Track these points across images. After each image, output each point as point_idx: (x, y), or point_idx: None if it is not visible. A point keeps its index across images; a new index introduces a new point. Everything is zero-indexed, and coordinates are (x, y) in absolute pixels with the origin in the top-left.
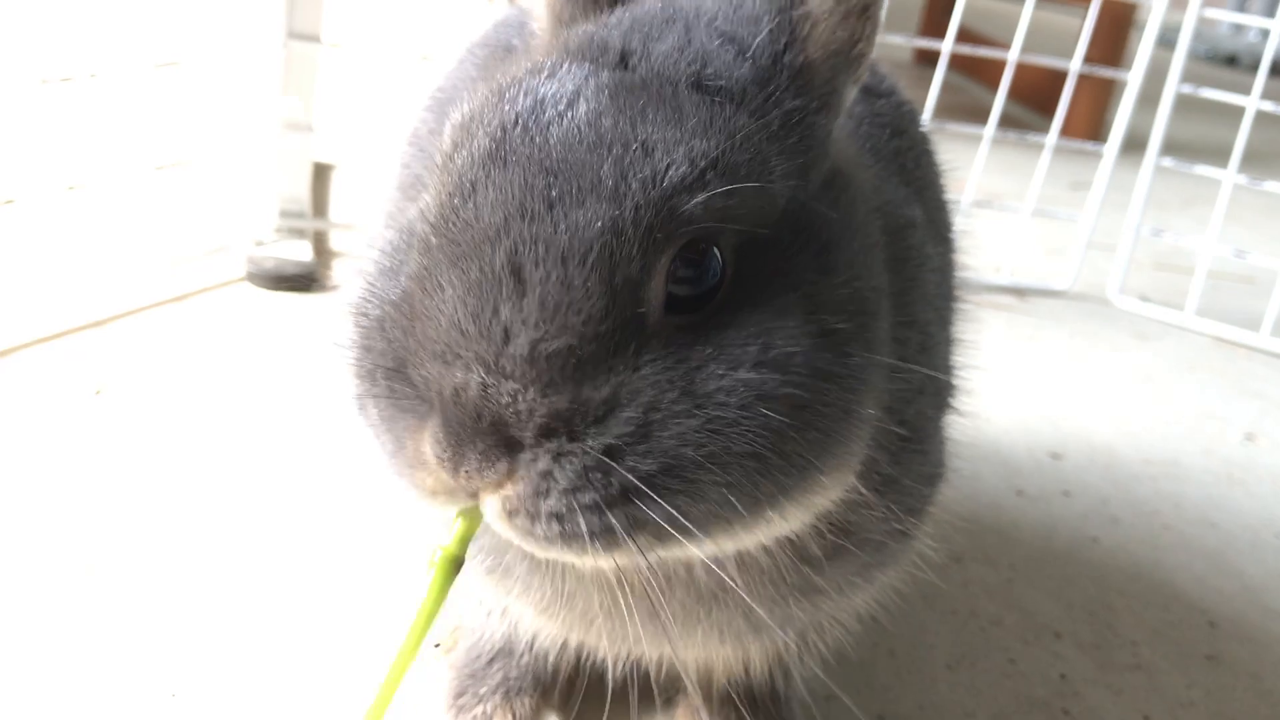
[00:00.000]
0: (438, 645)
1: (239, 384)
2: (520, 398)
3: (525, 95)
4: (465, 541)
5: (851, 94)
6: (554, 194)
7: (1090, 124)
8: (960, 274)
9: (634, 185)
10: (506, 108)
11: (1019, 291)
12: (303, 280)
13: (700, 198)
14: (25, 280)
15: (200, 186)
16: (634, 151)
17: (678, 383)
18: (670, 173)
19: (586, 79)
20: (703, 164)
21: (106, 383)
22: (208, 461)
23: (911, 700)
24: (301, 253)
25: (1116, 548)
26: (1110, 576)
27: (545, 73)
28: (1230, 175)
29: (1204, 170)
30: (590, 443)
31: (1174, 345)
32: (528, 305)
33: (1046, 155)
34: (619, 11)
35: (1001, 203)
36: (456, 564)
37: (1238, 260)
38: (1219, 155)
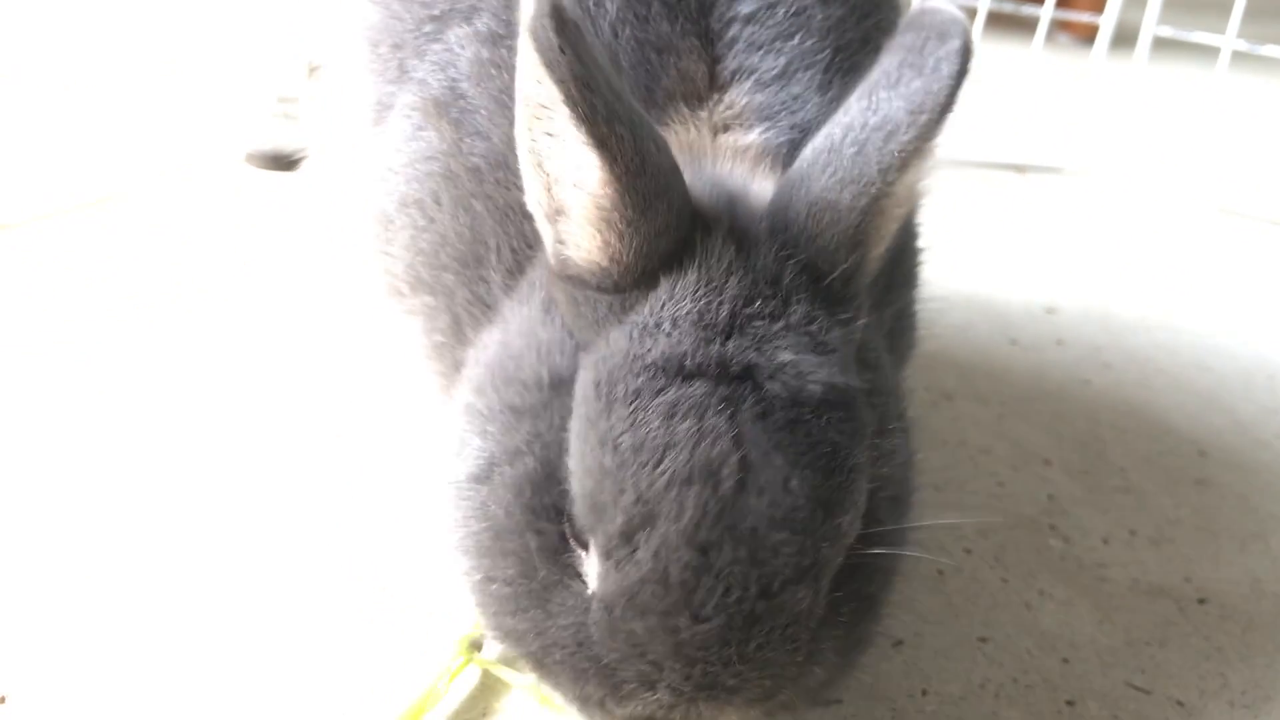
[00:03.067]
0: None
1: (233, 259)
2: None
3: (692, 462)
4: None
5: None
6: (774, 585)
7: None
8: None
9: (824, 553)
10: (683, 485)
11: (1020, 168)
12: (299, 161)
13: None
14: (27, 160)
15: (197, 71)
16: (822, 526)
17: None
18: (845, 523)
19: (744, 428)
20: (857, 496)
21: (103, 257)
22: (203, 333)
23: None
24: (297, 135)
25: (1109, 389)
26: (1102, 413)
27: (691, 423)
28: (1229, 41)
29: (1201, 37)
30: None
31: (1175, 216)
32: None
33: (1043, 26)
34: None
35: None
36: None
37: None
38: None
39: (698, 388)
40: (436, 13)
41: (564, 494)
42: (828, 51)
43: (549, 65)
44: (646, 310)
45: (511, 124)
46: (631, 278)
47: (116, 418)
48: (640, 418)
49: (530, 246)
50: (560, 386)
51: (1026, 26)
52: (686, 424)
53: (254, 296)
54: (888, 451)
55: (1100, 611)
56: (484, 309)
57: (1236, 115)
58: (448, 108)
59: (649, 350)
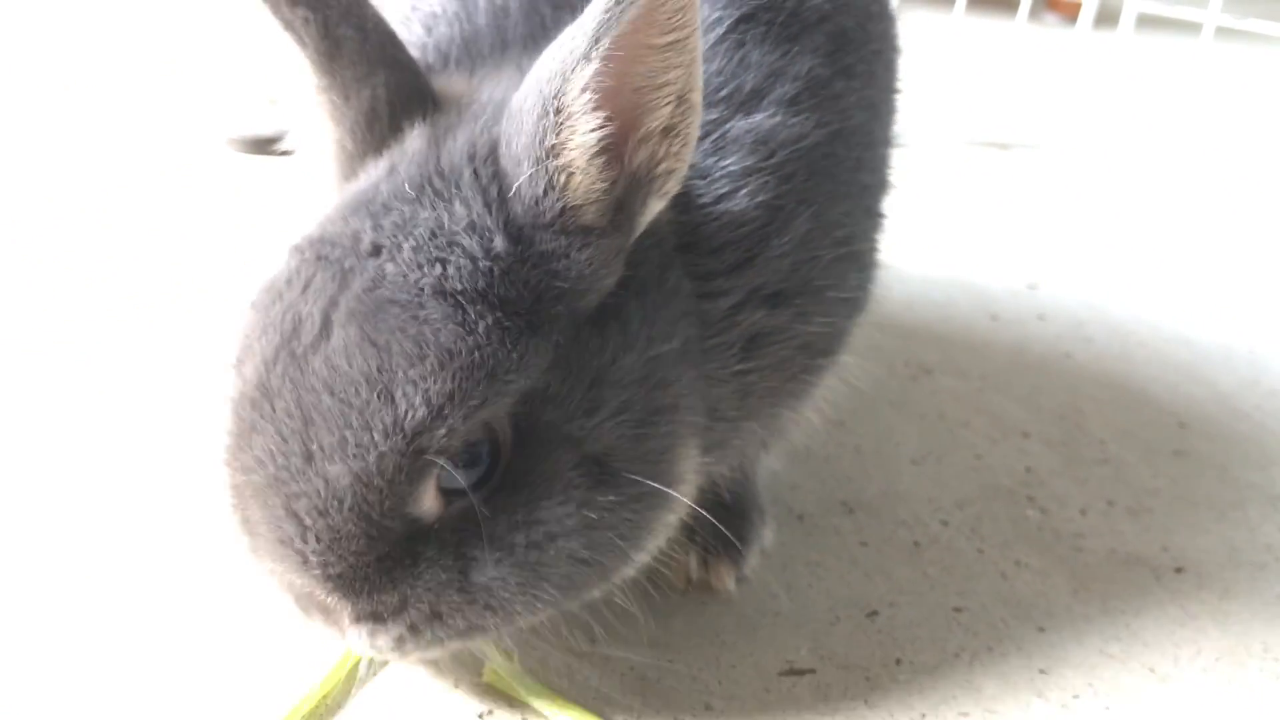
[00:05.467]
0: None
1: (219, 243)
2: (332, 599)
3: (287, 315)
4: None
5: (657, 208)
6: (312, 448)
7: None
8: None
9: (377, 437)
10: (273, 333)
11: (1003, 144)
12: (281, 146)
13: (441, 431)
14: (24, 157)
15: (185, 57)
16: (377, 399)
17: (454, 581)
18: (409, 418)
19: (337, 297)
20: (440, 401)
21: (102, 256)
22: (202, 332)
23: (875, 489)
24: (281, 119)
25: (1090, 362)
26: (1082, 386)
27: (303, 283)
28: (1213, 16)
29: (1184, 11)
30: (391, 630)
31: (1157, 192)
32: (310, 540)
33: (1026, 2)
34: (404, 150)
35: (987, 56)
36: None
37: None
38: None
39: (326, 254)
40: None
41: None
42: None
43: None
44: (346, 189)
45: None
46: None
47: (115, 417)
48: (278, 276)
49: None
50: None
51: (1011, 4)
52: (300, 281)
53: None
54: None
55: (1076, 581)
56: None
57: (1219, 90)
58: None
59: (323, 225)
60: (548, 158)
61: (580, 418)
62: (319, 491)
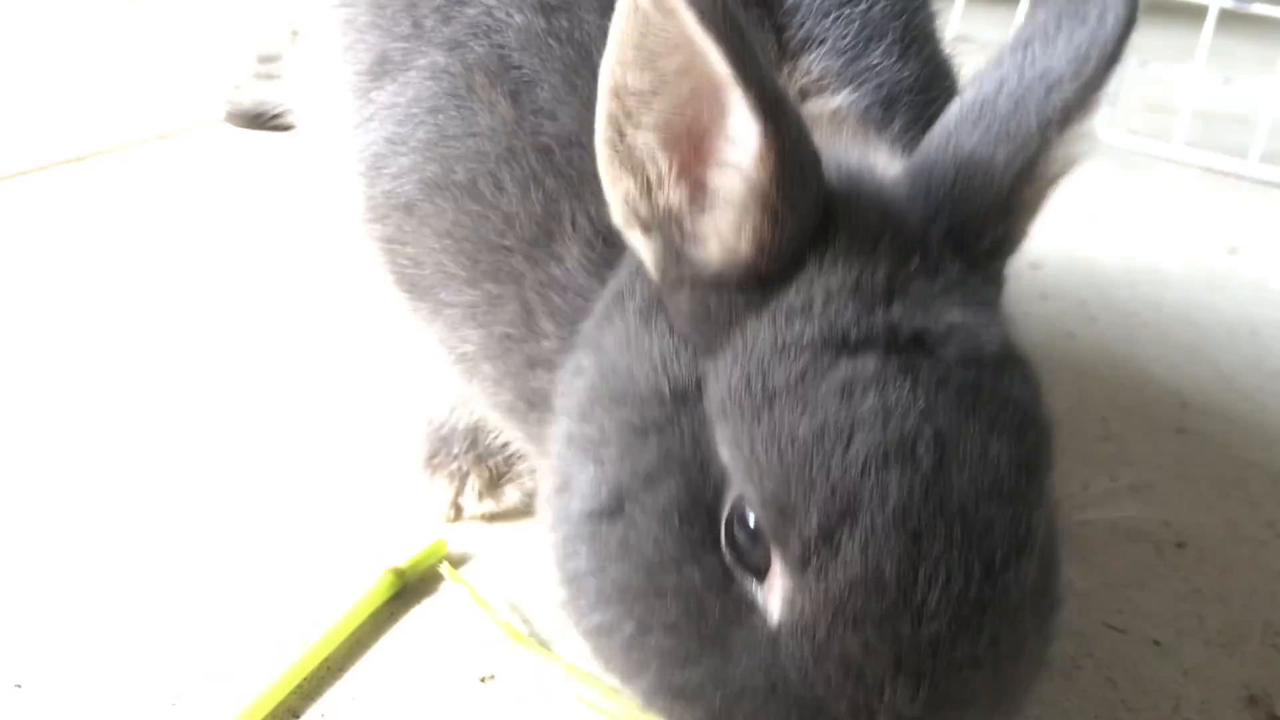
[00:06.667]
0: (483, 680)
1: (214, 219)
2: None
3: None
4: (416, 566)
5: None
6: (995, 564)
7: None
8: None
9: (1035, 519)
10: (902, 471)
11: None
12: (280, 120)
13: None
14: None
15: (178, 28)
16: (1028, 490)
17: None
18: (1048, 485)
19: (928, 398)
20: (1051, 452)
21: (85, 215)
22: (180, 291)
23: None
24: (279, 94)
25: (1093, 342)
26: (1084, 365)
27: (873, 399)
28: None
29: None
30: None
31: (1161, 174)
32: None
33: None
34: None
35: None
36: (400, 581)
37: (1225, 97)
38: None
39: (869, 360)
40: None
41: (715, 517)
42: (900, 22)
43: (721, 37)
44: (792, 292)
45: (583, 103)
46: (779, 263)
47: (106, 393)
48: (814, 401)
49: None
50: (685, 397)
51: (1011, 2)
52: (869, 400)
53: (247, 271)
54: None
55: (1078, 555)
56: (561, 291)
57: (1222, 73)
58: (498, 78)
59: (803, 331)
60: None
61: None
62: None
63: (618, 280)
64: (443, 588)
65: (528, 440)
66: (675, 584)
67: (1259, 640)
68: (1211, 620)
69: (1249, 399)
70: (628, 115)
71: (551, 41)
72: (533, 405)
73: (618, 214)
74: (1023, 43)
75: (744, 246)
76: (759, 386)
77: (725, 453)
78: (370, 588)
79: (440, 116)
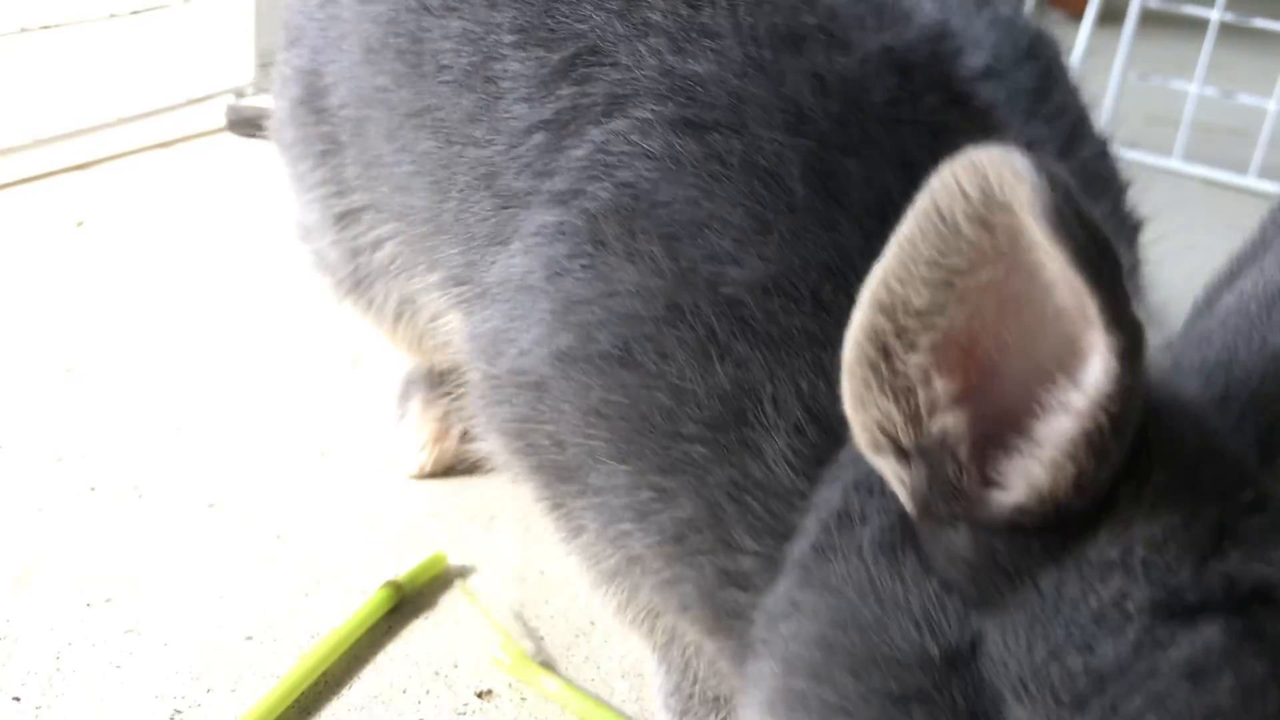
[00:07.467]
0: (480, 695)
1: (216, 226)
2: None
3: None
4: (415, 580)
5: None
6: None
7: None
8: None
9: None
10: None
11: None
12: None
13: None
14: (7, 119)
15: (180, 35)
16: None
17: None
18: None
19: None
20: None
21: (88, 218)
22: (183, 298)
23: None
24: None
25: None
26: None
27: (1229, 680)
28: (1217, 13)
29: (1191, 9)
30: None
31: (1160, 188)
32: None
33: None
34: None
35: None
36: (398, 595)
37: (1226, 109)
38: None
39: (1212, 629)
40: (546, 117)
41: None
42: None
43: (1087, 265)
44: (1103, 540)
45: (782, 242)
46: (1093, 504)
47: (107, 399)
48: (1159, 689)
49: (829, 385)
50: (955, 660)
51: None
52: (1224, 681)
53: (249, 279)
54: None
55: None
56: (760, 495)
57: (1222, 86)
58: (637, 223)
59: (1127, 592)
60: None
61: None
62: None
63: (834, 494)
64: (441, 602)
65: (718, 655)
66: None
67: None
68: None
69: None
70: (899, 334)
71: (717, 168)
72: (720, 617)
73: (864, 440)
74: None
75: (1061, 489)
76: (1079, 665)
77: None
78: (368, 601)
79: (566, 280)
